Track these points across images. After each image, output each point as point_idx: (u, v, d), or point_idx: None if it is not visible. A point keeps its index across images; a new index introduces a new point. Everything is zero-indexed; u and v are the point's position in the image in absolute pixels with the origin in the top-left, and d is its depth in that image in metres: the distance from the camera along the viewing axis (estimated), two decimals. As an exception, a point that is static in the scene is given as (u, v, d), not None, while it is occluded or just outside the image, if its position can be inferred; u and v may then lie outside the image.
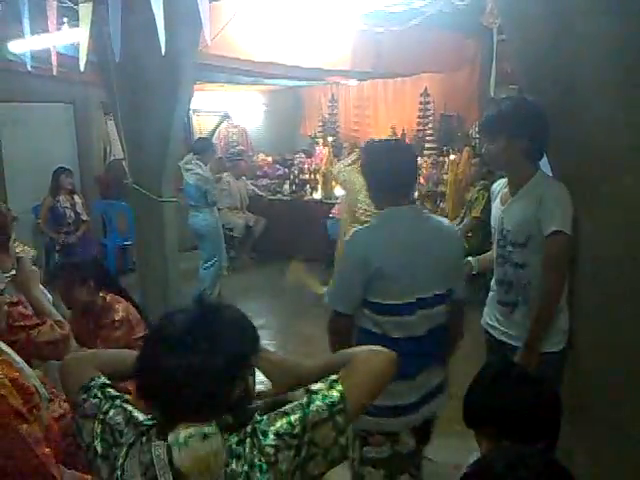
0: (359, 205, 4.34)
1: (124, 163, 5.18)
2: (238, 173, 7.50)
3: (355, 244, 2.05)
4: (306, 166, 8.28)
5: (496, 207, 2.36)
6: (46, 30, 3.71)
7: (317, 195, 7.71)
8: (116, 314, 2.75)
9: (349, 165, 4.49)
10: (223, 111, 6.12)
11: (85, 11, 3.36)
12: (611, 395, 2.07)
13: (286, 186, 8.17)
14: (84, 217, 6.09)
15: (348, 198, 4.40)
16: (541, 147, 2.17)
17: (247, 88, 8.72)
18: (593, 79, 1.94)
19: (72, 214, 6.00)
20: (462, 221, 5.49)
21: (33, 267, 2.21)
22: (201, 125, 8.85)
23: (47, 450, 1.50)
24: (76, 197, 6.13)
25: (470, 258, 2.56)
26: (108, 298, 2.83)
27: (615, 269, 2.00)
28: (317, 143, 8.72)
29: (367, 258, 1.96)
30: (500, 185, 2.41)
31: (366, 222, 4.20)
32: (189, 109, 7.72)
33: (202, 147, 5.72)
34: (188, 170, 5.57)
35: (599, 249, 2.04)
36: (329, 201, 7.18)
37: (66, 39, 4.29)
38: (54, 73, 4.00)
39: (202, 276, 5.85)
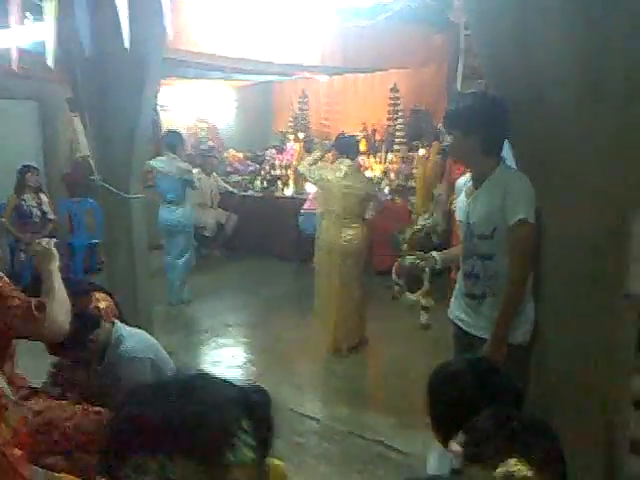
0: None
1: (91, 160, 5.10)
2: (209, 169, 7.45)
3: None
4: (277, 162, 8.27)
5: (461, 201, 2.40)
6: (8, 26, 3.62)
7: (288, 191, 7.71)
8: None
9: (313, 163, 4.52)
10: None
11: (50, 6, 3.29)
12: (577, 384, 2.11)
13: (257, 182, 8.15)
14: (51, 216, 5.99)
15: (325, 194, 4.42)
16: (499, 140, 2.22)
17: (217, 83, 8.65)
18: (556, 73, 1.98)
19: (38, 213, 5.90)
20: (431, 215, 5.55)
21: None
22: (169, 121, 8.75)
23: (16, 450, 1.48)
24: (42, 195, 6.02)
25: (434, 253, 2.61)
26: None
27: (579, 259, 2.05)
28: (288, 139, 8.71)
29: None
30: (464, 180, 2.45)
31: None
32: (157, 105, 7.63)
33: (174, 140, 5.71)
34: (169, 164, 5.55)
35: (563, 239, 2.08)
36: (301, 197, 7.18)
37: (30, 35, 4.20)
38: (14, 68, 3.91)
39: (171, 274, 5.81)
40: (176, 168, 5.55)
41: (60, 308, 2.04)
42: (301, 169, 4.71)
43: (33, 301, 1.96)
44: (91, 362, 2.58)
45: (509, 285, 2.16)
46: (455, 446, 1.19)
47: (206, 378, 1.06)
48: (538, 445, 1.09)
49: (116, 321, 2.66)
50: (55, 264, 2.21)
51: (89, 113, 4.44)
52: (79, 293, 2.61)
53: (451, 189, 5.12)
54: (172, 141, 5.72)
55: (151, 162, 5.55)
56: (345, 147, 4.47)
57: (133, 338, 2.63)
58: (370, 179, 4.88)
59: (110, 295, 2.76)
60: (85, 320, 2.51)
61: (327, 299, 4.46)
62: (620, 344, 2.06)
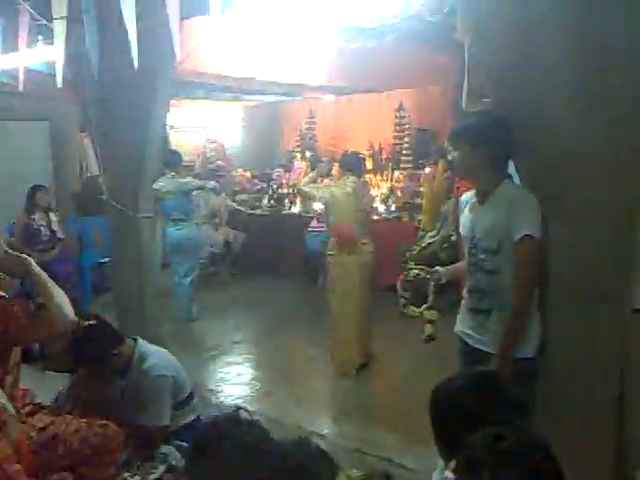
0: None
1: (100, 180, 5.16)
2: (217, 189, 7.48)
3: None
4: (284, 181, 8.32)
5: (465, 217, 2.42)
6: (18, 49, 3.71)
7: (295, 209, 7.73)
8: None
9: (310, 182, 4.59)
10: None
11: (60, 27, 3.36)
12: (586, 400, 2.10)
13: (265, 201, 8.19)
14: (60, 235, 6.03)
15: (336, 211, 4.46)
16: (503, 155, 2.24)
17: (225, 104, 8.75)
18: (557, 89, 2.01)
19: (47, 232, 5.94)
20: (438, 233, 5.56)
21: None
22: (179, 141, 8.84)
23: (17, 466, 1.48)
24: (52, 215, 6.06)
25: (439, 268, 2.61)
26: None
27: (585, 272, 2.04)
28: (295, 157, 8.77)
29: None
30: (468, 196, 2.48)
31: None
32: (166, 125, 7.71)
33: (173, 159, 5.82)
34: (171, 184, 5.62)
35: (568, 253, 2.08)
36: (307, 215, 7.20)
37: (40, 56, 4.28)
38: (20, 89, 3.99)
39: (179, 292, 5.83)
40: (175, 185, 5.61)
41: (62, 299, 2.09)
42: (305, 188, 4.76)
43: (31, 305, 2.00)
44: (113, 377, 2.59)
45: (515, 300, 2.16)
46: (449, 473, 1.17)
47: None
48: (529, 465, 1.05)
49: (138, 338, 2.68)
50: (32, 264, 2.22)
51: (98, 134, 4.51)
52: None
53: (457, 206, 5.14)
54: (168, 159, 5.79)
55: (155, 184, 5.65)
56: (350, 164, 4.51)
57: (156, 355, 2.66)
58: (372, 195, 4.91)
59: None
60: (110, 335, 2.54)
61: (346, 316, 4.47)
62: (631, 359, 2.05)
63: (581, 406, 2.11)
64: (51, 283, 2.18)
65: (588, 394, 2.09)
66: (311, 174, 4.94)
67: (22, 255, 2.25)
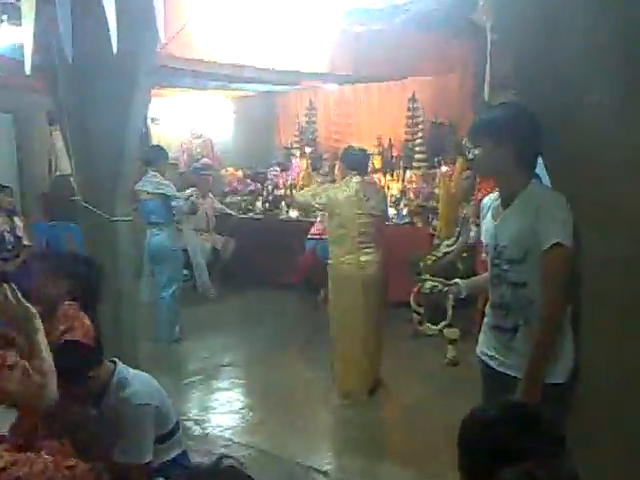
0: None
1: (72, 179, 5.17)
2: (204, 190, 7.50)
3: None
4: (281, 181, 8.33)
5: (487, 223, 2.41)
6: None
7: (293, 213, 7.74)
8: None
9: (323, 183, 4.57)
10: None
11: (28, 6, 3.37)
12: (626, 429, 2.09)
13: (259, 203, 8.20)
14: (25, 241, 6.02)
15: (336, 217, 4.45)
16: (531, 153, 2.25)
17: (214, 93, 8.78)
18: (592, 80, 2.01)
19: (11, 238, 5.93)
20: (457, 240, 5.56)
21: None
22: (161, 136, 8.86)
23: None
24: (16, 219, 6.06)
25: (458, 280, 2.61)
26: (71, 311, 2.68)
27: (625, 285, 2.04)
28: (293, 155, 8.78)
29: None
30: (490, 200, 2.47)
31: (363, 233, 4.32)
32: (146, 117, 7.74)
33: (155, 156, 5.86)
34: (149, 183, 5.68)
35: (604, 263, 2.08)
36: (307, 219, 7.21)
37: (5, 39, 4.30)
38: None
39: (160, 307, 5.83)
40: (154, 186, 5.66)
41: (51, 369, 2.03)
42: (300, 198, 4.76)
43: (29, 364, 1.94)
44: (86, 405, 2.58)
45: (543, 317, 2.15)
46: None
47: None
48: None
49: (117, 360, 2.67)
50: (37, 318, 2.14)
51: (71, 126, 4.52)
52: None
53: (476, 210, 5.14)
54: (149, 156, 5.85)
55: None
56: (354, 161, 4.51)
57: (138, 381, 2.65)
58: (384, 194, 4.88)
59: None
60: (87, 352, 2.51)
61: (348, 337, 4.44)
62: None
63: (623, 440, 2.09)
64: (46, 346, 2.09)
65: (632, 426, 2.08)
66: (312, 186, 4.94)
67: (28, 305, 2.15)
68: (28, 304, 2.16)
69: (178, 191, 6.03)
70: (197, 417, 4.33)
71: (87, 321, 2.68)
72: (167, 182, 5.81)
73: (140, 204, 5.78)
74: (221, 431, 4.11)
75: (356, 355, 4.44)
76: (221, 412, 4.42)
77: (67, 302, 2.70)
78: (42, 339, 2.11)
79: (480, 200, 5.10)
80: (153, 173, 5.74)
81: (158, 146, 6.19)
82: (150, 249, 5.78)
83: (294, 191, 5.34)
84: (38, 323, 2.14)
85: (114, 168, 4.39)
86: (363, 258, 4.36)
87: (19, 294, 2.14)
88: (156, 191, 5.67)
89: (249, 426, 4.22)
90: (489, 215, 2.41)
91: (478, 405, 1.59)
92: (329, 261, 4.51)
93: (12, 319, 2.17)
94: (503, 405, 1.56)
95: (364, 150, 4.74)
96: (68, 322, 2.61)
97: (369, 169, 4.80)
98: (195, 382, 4.96)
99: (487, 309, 2.43)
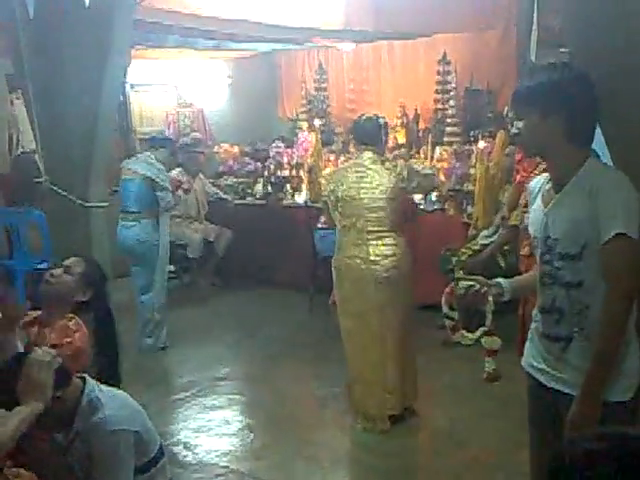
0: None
1: (37, 157, 5.19)
2: (194, 170, 7.51)
3: None
4: (286, 159, 8.32)
5: (536, 210, 2.39)
6: None
7: (301, 198, 7.74)
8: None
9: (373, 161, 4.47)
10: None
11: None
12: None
13: (259, 186, 8.19)
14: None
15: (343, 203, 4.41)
16: (587, 125, 2.23)
17: (205, 55, 8.77)
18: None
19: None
20: (496, 230, 5.53)
21: None
22: (142, 105, 8.87)
23: None
24: (-29, 204, 6.10)
25: (500, 279, 2.59)
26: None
27: None
28: (300, 128, 8.78)
29: None
30: (540, 182, 2.45)
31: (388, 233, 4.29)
32: (125, 83, 7.74)
33: (160, 143, 6.02)
34: (141, 163, 5.74)
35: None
36: (317, 205, 7.20)
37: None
38: None
39: (140, 313, 5.87)
40: (144, 165, 5.71)
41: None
42: (323, 180, 4.73)
43: None
44: (51, 431, 2.59)
45: (604, 322, 2.15)
46: None
47: None
48: None
49: (87, 377, 2.68)
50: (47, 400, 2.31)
51: (36, 94, 4.53)
52: None
53: (516, 194, 5.15)
54: (157, 142, 5.97)
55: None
56: (365, 134, 4.47)
57: (114, 402, 2.65)
58: (398, 171, 4.77)
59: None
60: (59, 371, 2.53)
61: (360, 350, 4.42)
62: None
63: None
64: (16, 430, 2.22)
65: None
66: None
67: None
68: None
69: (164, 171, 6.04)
70: (187, 440, 4.35)
71: (79, 342, 2.86)
72: (162, 167, 5.84)
73: (121, 185, 5.80)
74: (216, 457, 4.13)
75: (372, 373, 4.39)
76: (216, 434, 4.44)
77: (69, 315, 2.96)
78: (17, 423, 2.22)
79: (519, 183, 5.12)
80: (148, 154, 5.81)
81: (169, 138, 6.43)
82: (122, 245, 5.76)
83: (304, 172, 5.23)
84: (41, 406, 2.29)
85: (87, 144, 4.40)
86: (374, 250, 4.32)
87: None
88: (145, 173, 5.69)
89: (249, 452, 4.23)
90: (538, 201, 2.39)
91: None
92: (334, 256, 4.48)
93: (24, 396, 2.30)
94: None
95: (375, 118, 4.60)
96: (61, 338, 2.76)
97: (385, 141, 4.67)
98: (185, 399, 4.98)
99: (535, 314, 2.42)
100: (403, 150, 7.50)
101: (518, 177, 5.27)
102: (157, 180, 5.70)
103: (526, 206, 4.96)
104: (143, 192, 5.72)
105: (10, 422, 2.19)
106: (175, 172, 7.11)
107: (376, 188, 4.29)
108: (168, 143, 6.16)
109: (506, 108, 7.13)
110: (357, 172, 4.34)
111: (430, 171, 5.99)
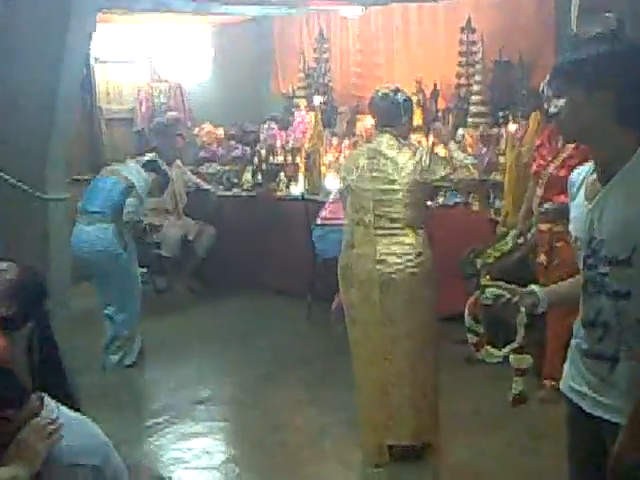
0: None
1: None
2: (170, 155, 7.51)
3: None
4: (279, 143, 8.32)
5: (579, 206, 2.38)
6: None
7: (297, 189, 7.73)
8: None
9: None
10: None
11: None
12: None
13: (247, 175, 8.19)
14: None
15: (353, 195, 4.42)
16: (638, 105, 2.21)
17: (184, 20, 8.77)
18: None
19: None
20: (530, 228, 5.52)
21: None
22: (109, 80, 8.86)
23: None
24: None
25: (535, 287, 2.58)
26: None
27: None
28: (297, 106, 8.77)
29: None
30: (582, 173, 2.44)
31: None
32: (89, 54, 7.73)
33: (155, 167, 6.21)
34: (126, 167, 5.91)
35: None
36: (316, 198, 7.20)
37: None
38: None
39: (107, 328, 5.86)
40: (129, 172, 5.83)
41: None
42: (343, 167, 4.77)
43: None
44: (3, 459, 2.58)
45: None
46: None
47: None
48: None
49: (46, 397, 2.67)
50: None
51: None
52: None
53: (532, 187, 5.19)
54: (150, 167, 6.17)
55: None
56: (379, 113, 4.47)
57: (72, 428, 2.65)
58: (434, 153, 4.68)
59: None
60: (6, 387, 2.53)
61: (363, 364, 4.42)
62: None
63: None
64: None
65: None
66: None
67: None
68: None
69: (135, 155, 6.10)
70: (162, 473, 4.36)
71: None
72: (148, 181, 5.96)
73: (91, 183, 5.84)
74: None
75: (371, 394, 4.38)
76: (195, 468, 4.44)
77: None
78: None
79: (535, 174, 5.12)
80: (138, 167, 5.99)
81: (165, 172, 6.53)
82: (79, 251, 5.67)
83: (301, 159, 5.18)
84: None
85: (44, 126, 4.40)
86: (383, 248, 4.30)
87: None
88: (128, 176, 5.77)
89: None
90: (581, 195, 2.39)
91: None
92: (342, 257, 4.47)
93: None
94: None
95: (393, 93, 4.57)
96: None
97: (407, 122, 4.63)
98: (159, 425, 4.98)
99: (577, 328, 2.41)
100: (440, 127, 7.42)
101: (534, 166, 5.27)
102: (138, 190, 5.72)
103: (544, 201, 5.00)
104: (116, 194, 5.71)
105: None
106: (148, 157, 7.10)
107: (391, 177, 4.28)
108: (164, 177, 6.30)
109: (542, 84, 7.11)
110: (370, 158, 4.34)
111: (471, 160, 5.88)
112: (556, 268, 4.76)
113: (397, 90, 4.56)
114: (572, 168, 4.70)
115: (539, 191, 5.06)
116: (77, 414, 2.82)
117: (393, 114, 4.46)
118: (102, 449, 2.72)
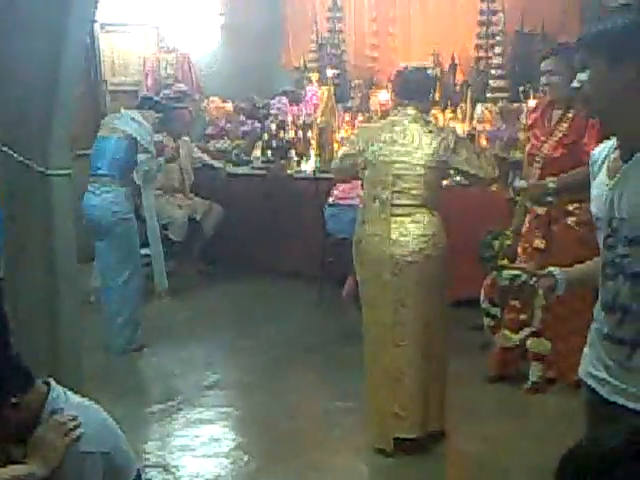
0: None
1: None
2: (177, 130, 7.51)
3: None
4: (290, 118, 8.31)
5: (600, 185, 2.38)
6: None
7: (308, 166, 7.73)
8: None
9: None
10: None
11: None
12: None
13: (257, 152, 8.19)
14: None
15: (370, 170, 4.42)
16: None
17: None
18: None
19: None
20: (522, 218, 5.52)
21: None
22: (114, 49, 8.86)
23: None
24: None
25: (553, 269, 2.58)
26: None
27: None
28: (308, 80, 8.76)
29: None
30: (605, 150, 2.43)
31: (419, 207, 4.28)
32: (93, 22, 7.72)
33: (152, 103, 6.28)
34: (124, 120, 5.89)
35: None
36: (328, 176, 7.19)
37: None
38: None
39: (108, 303, 5.90)
40: (127, 122, 5.82)
41: None
42: (336, 161, 4.77)
43: None
44: (7, 445, 2.62)
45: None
46: None
47: None
48: None
49: (51, 382, 2.70)
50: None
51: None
52: None
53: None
54: (146, 103, 6.19)
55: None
56: (409, 87, 4.48)
57: (80, 415, 2.68)
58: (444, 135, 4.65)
59: None
60: (9, 370, 2.55)
61: (381, 351, 4.44)
62: None
63: None
64: None
65: None
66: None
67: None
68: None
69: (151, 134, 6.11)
70: (168, 462, 4.38)
71: None
72: (149, 128, 5.95)
73: (95, 144, 5.87)
74: (202, 483, 4.18)
75: (380, 380, 4.40)
76: (202, 455, 4.47)
77: None
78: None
79: (529, 155, 5.09)
80: (136, 112, 5.97)
81: (162, 103, 6.58)
82: (88, 217, 5.82)
83: (313, 135, 5.17)
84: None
85: (47, 98, 4.40)
86: (398, 228, 4.27)
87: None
88: (128, 130, 5.78)
89: (242, 476, 4.28)
90: (602, 174, 2.38)
91: (582, 439, 1.58)
92: (355, 237, 4.48)
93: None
94: (623, 435, 1.54)
95: (425, 68, 4.64)
96: None
97: (432, 98, 4.67)
98: (164, 411, 5.02)
99: (597, 312, 2.43)
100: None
101: (528, 146, 5.25)
102: (141, 142, 5.75)
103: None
104: (121, 153, 5.79)
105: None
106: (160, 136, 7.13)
107: (413, 152, 4.28)
108: (160, 107, 6.32)
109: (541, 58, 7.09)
110: (392, 131, 4.35)
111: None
112: (555, 253, 4.72)
113: (425, 66, 4.67)
114: (567, 147, 4.71)
115: (536, 174, 5.01)
116: (84, 399, 2.85)
117: (423, 89, 4.51)
118: (112, 436, 2.75)
